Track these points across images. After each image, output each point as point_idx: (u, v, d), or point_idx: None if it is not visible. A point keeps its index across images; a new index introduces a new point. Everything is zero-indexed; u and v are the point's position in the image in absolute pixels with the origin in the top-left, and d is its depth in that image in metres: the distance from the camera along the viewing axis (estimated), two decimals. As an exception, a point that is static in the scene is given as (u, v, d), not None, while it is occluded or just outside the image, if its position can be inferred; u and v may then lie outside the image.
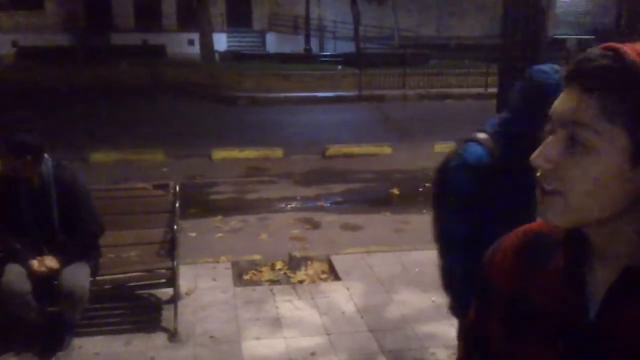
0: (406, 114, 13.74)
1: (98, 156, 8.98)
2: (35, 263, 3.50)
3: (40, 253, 3.57)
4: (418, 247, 5.27)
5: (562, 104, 0.81)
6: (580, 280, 0.88)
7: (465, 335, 1.14)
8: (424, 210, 6.88)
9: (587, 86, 0.77)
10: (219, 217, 6.52)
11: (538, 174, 0.82)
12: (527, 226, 1.00)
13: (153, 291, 4.29)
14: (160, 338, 3.89)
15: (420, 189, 7.59)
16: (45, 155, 3.62)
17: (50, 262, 3.54)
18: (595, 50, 0.79)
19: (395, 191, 7.60)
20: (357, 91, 15.52)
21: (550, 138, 0.82)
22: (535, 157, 0.82)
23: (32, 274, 3.48)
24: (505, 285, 0.98)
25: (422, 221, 6.59)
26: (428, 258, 5.38)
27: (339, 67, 19.56)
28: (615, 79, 0.76)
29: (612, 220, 0.81)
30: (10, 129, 3.63)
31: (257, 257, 5.15)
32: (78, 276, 3.57)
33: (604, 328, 0.84)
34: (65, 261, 3.58)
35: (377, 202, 7.26)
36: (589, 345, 0.85)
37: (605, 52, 0.78)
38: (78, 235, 3.68)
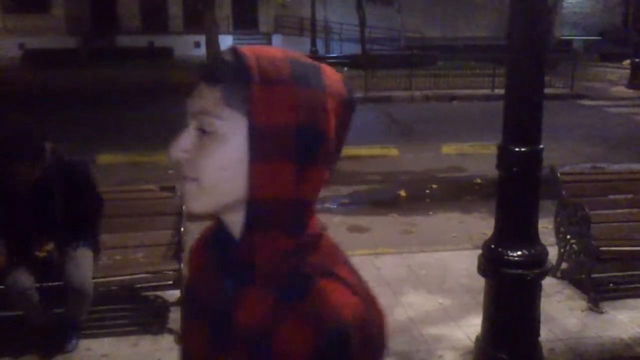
0: (413, 115, 13.71)
1: (105, 158, 8.99)
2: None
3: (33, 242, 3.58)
4: (425, 249, 5.25)
5: (193, 99, 0.89)
6: (220, 263, 0.95)
7: None
8: (431, 212, 6.87)
9: (210, 80, 0.86)
10: (226, 219, 6.51)
11: (176, 166, 0.89)
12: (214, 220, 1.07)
13: (160, 293, 4.29)
14: (167, 340, 3.89)
15: (428, 191, 7.57)
16: (46, 148, 3.49)
17: (45, 245, 3.57)
18: (223, 51, 0.89)
19: (402, 193, 7.58)
20: (363, 93, 15.49)
21: (184, 130, 0.90)
22: (172, 149, 0.88)
23: (33, 260, 3.51)
24: (188, 275, 1.08)
25: (429, 223, 6.61)
26: (435, 260, 5.44)
27: (345, 68, 19.54)
28: (232, 73, 0.84)
29: (237, 205, 0.87)
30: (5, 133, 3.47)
31: (263, 258, 5.13)
32: (81, 271, 3.59)
33: (237, 301, 0.90)
34: (64, 240, 3.60)
35: (384, 203, 7.24)
36: (227, 320, 0.91)
37: (228, 51, 0.88)
38: (79, 218, 3.68)
